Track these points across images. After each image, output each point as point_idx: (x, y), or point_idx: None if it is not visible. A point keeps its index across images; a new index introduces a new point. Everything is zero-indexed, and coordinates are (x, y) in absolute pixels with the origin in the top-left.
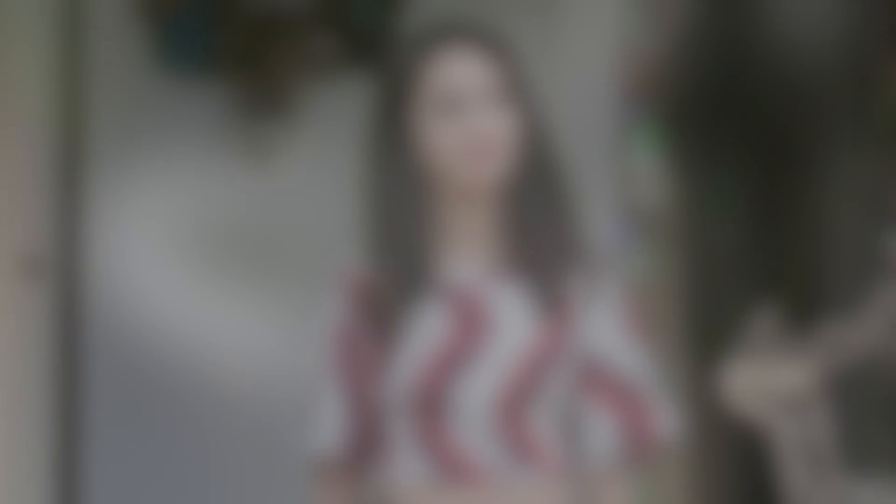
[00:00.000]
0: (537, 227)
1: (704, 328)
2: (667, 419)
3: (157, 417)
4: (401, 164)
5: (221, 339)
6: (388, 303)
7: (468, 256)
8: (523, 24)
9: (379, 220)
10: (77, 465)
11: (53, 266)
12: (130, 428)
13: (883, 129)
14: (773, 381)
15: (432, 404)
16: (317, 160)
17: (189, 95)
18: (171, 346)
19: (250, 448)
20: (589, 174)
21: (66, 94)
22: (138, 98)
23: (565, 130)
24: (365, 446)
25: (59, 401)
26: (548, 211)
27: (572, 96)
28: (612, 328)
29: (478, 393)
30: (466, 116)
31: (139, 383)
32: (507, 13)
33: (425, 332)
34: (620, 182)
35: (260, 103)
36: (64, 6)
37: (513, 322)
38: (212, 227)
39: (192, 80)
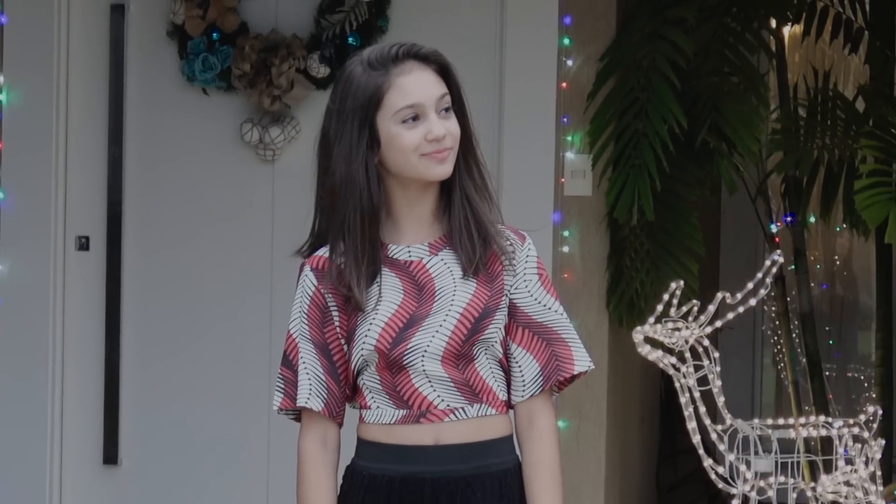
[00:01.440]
0: (468, 210)
1: (623, 292)
2: (581, 358)
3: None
4: (364, 172)
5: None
6: (349, 275)
7: (412, 235)
8: (483, 54)
9: (340, 207)
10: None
11: (100, 242)
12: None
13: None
14: (676, 335)
15: (395, 361)
16: (312, 158)
17: (209, 105)
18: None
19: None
20: (534, 170)
21: (113, 103)
22: (169, 107)
23: (517, 137)
24: (339, 397)
25: (105, 337)
26: (475, 198)
27: (522, 110)
28: (538, 289)
29: (430, 349)
30: (423, 121)
31: (162, 326)
32: (467, 47)
33: (384, 297)
34: (556, 176)
35: (266, 111)
36: (114, 35)
37: (451, 287)
38: (225, 211)
39: (212, 93)
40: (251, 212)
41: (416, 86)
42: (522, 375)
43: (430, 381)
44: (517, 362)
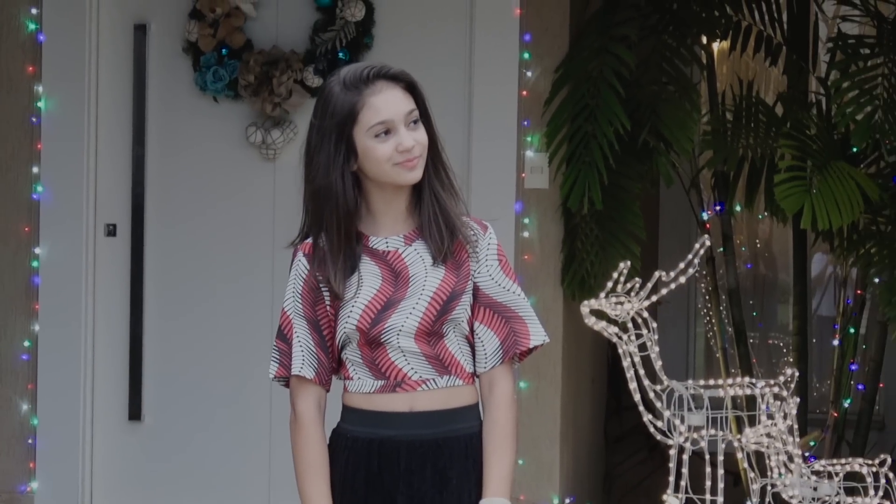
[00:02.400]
0: (436, 206)
1: (575, 272)
2: (536, 332)
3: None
4: (341, 182)
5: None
6: (328, 268)
7: (389, 228)
8: (454, 66)
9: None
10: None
11: (126, 229)
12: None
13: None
14: (619, 308)
15: (374, 338)
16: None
17: (219, 111)
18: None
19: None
20: (499, 166)
21: (137, 109)
22: (185, 112)
23: (484, 138)
24: (327, 367)
25: (130, 312)
26: (442, 195)
27: (488, 115)
28: (498, 273)
29: (405, 327)
30: (394, 135)
31: (179, 302)
32: (441, 60)
33: (364, 282)
34: (517, 171)
35: (268, 116)
36: (137, 51)
37: (423, 273)
38: (233, 202)
39: (221, 101)
40: (255, 203)
41: (386, 104)
42: (484, 349)
43: (404, 356)
44: (479, 338)
